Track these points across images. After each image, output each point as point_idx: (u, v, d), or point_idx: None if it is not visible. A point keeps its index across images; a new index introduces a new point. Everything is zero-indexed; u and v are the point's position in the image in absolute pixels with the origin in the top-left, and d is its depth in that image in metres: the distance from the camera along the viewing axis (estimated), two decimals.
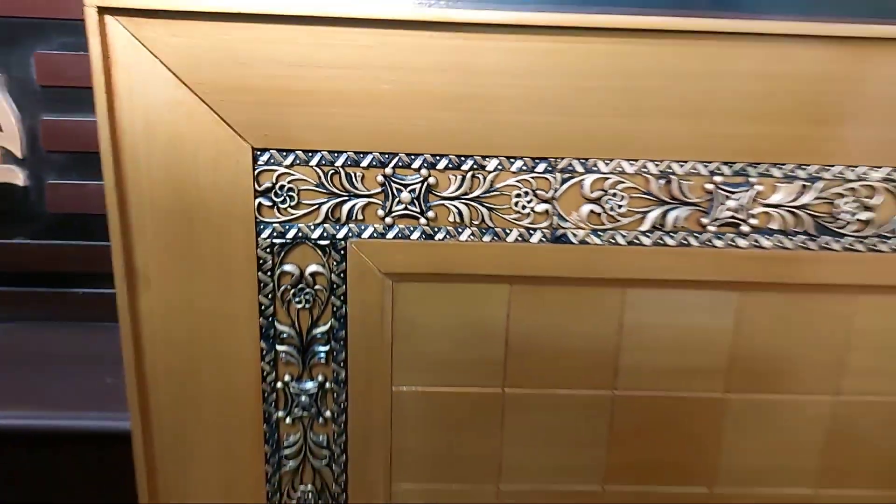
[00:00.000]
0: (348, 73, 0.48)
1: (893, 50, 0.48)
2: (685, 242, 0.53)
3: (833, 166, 0.52)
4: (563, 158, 0.51)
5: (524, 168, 0.51)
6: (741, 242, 0.53)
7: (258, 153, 0.50)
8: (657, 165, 0.51)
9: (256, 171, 0.50)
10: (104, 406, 0.66)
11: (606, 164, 0.51)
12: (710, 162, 0.51)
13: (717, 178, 0.51)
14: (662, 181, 0.51)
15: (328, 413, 0.56)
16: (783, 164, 0.52)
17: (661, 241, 0.53)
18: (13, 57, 0.72)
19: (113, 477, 0.66)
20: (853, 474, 0.60)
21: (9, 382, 0.71)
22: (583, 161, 0.51)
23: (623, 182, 0.51)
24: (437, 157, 0.50)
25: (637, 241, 0.53)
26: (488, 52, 0.47)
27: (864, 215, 0.52)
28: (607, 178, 0.51)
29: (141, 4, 0.46)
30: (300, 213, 0.51)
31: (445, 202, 0.52)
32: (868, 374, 0.57)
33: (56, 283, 0.78)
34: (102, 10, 0.46)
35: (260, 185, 0.51)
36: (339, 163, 0.50)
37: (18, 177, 0.74)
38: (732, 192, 0.52)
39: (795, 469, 0.59)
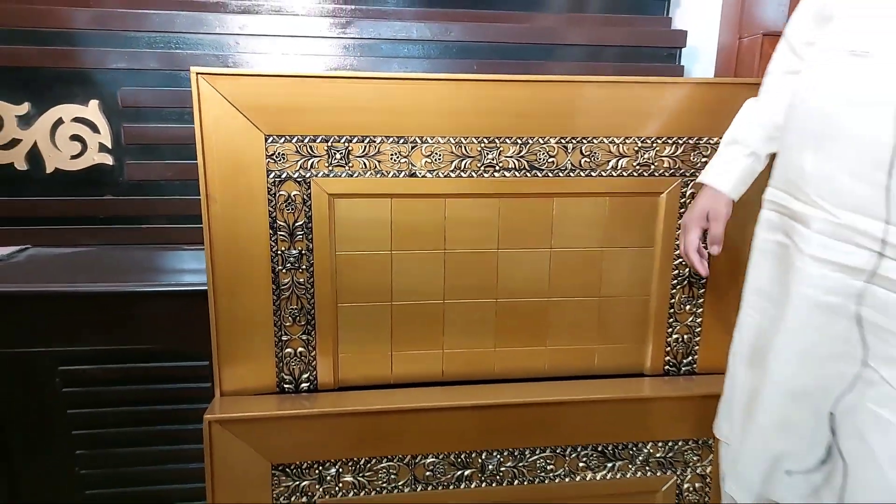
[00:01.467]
0: (343, 101, 1.05)
1: (558, 87, 1.11)
2: (472, 176, 1.13)
3: (532, 138, 1.14)
4: (411, 136, 1.10)
5: (394, 141, 1.10)
6: (496, 175, 1.14)
7: (268, 137, 1.07)
8: (460, 139, 1.11)
9: (266, 146, 1.07)
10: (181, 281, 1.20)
11: (439, 139, 1.11)
12: (486, 137, 1.12)
13: (483, 144, 1.12)
14: (461, 146, 1.12)
15: (303, 266, 1.13)
16: (513, 138, 1.13)
17: (461, 176, 1.13)
18: (106, 90, 1.25)
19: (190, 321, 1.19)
20: (565, 286, 1.22)
21: (111, 272, 1.23)
22: (422, 137, 1.11)
23: (444, 148, 1.11)
24: (364, 137, 1.09)
25: (450, 176, 1.13)
26: (412, 91, 1.06)
27: (552, 161, 1.15)
28: (436, 146, 1.11)
29: (216, 71, 1.02)
30: (287, 164, 1.08)
31: (357, 159, 1.10)
32: (562, 237, 1.19)
33: (131, 223, 1.31)
34: (198, 74, 1.01)
35: (268, 153, 1.07)
36: (308, 140, 1.08)
37: (109, 159, 1.27)
38: (490, 151, 1.13)
39: (538, 285, 1.21)
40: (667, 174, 1.18)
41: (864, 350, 0.81)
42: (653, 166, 1.18)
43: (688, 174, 1.18)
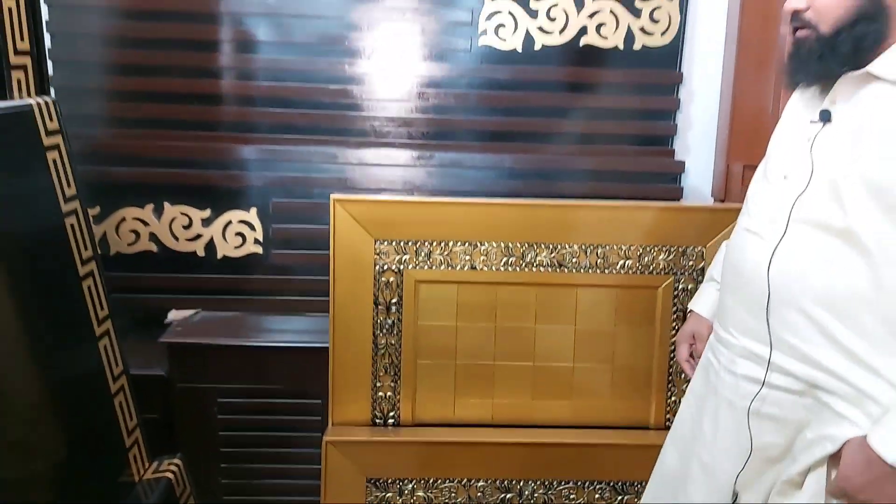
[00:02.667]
0: (427, 217, 1.54)
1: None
2: (516, 270, 1.58)
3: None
4: (473, 241, 1.56)
5: (461, 244, 1.56)
6: (534, 270, 1.58)
7: (376, 240, 1.55)
8: (507, 243, 1.57)
9: (375, 246, 1.55)
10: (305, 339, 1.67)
11: (493, 243, 1.57)
12: (527, 242, 1.57)
13: (524, 247, 1.57)
14: (508, 249, 1.57)
15: (395, 332, 1.58)
16: (546, 243, 1.57)
17: (508, 269, 1.58)
18: (262, 201, 1.78)
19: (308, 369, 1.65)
20: (586, 354, 1.62)
21: (258, 331, 1.72)
22: (481, 242, 1.57)
23: (496, 250, 1.57)
24: (441, 241, 1.56)
25: (500, 269, 1.58)
26: (474, 211, 1.54)
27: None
28: (490, 248, 1.57)
29: (345, 198, 1.52)
30: (388, 259, 1.56)
31: (436, 256, 1.56)
32: (583, 317, 1.60)
33: (273, 295, 1.81)
34: (335, 200, 1.52)
35: (376, 251, 1.55)
36: (402, 243, 1.56)
37: (260, 250, 1.80)
38: (529, 253, 1.57)
39: (565, 353, 1.61)
40: (662, 273, 1.59)
41: (751, 440, 1.04)
42: (651, 266, 1.59)
43: (679, 273, 1.59)
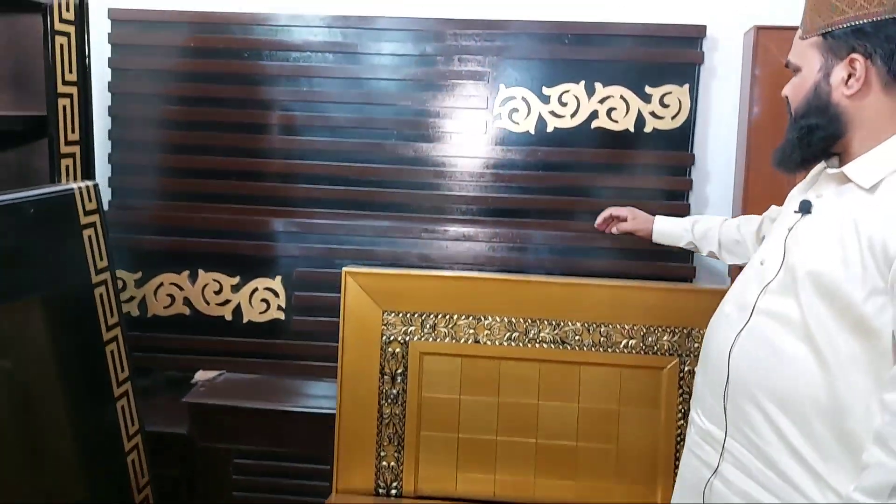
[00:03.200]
0: (433, 290, 1.61)
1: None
2: (519, 345, 1.61)
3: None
4: (477, 315, 1.61)
5: (466, 317, 1.61)
6: (537, 346, 1.60)
7: (384, 311, 1.63)
8: (511, 318, 1.61)
9: (382, 317, 1.62)
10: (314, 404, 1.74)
11: (497, 317, 1.61)
12: (530, 318, 1.60)
13: (528, 323, 1.60)
14: (511, 324, 1.61)
15: (400, 402, 1.63)
16: (549, 319, 1.60)
17: (511, 344, 1.61)
18: (286, 270, 1.90)
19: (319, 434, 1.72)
20: (590, 434, 1.61)
21: (276, 392, 1.81)
22: (485, 315, 1.61)
23: (500, 324, 1.61)
24: (446, 314, 1.62)
25: (503, 344, 1.61)
26: (479, 285, 1.60)
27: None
28: (494, 322, 1.61)
29: (355, 270, 1.61)
30: (394, 330, 1.62)
31: (440, 328, 1.62)
32: (587, 396, 1.60)
33: (293, 359, 1.90)
34: (346, 272, 1.61)
35: (383, 322, 1.62)
36: (409, 314, 1.62)
37: (282, 315, 1.90)
38: (532, 328, 1.60)
39: (569, 432, 1.61)
40: (667, 354, 1.58)
41: None
42: (656, 347, 1.58)
43: (684, 355, 1.57)
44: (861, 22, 0.93)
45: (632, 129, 1.84)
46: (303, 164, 1.91)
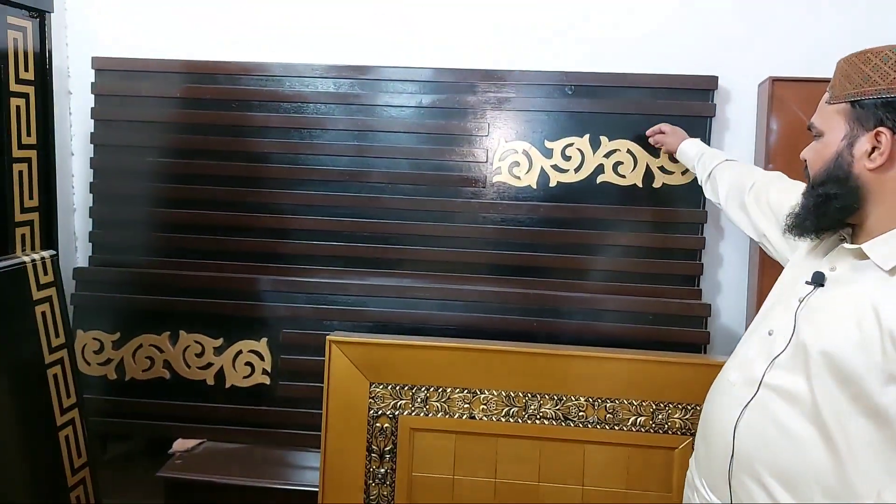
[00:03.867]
0: (425, 361, 1.49)
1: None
2: (518, 422, 1.48)
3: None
4: (472, 388, 1.49)
5: (460, 391, 1.49)
6: (538, 422, 1.47)
7: (371, 383, 1.51)
8: (510, 392, 1.48)
9: (370, 389, 1.50)
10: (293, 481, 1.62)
11: (494, 391, 1.49)
12: (530, 392, 1.48)
13: (527, 398, 1.48)
14: (510, 398, 1.48)
15: (388, 482, 1.50)
16: (550, 394, 1.47)
17: (510, 421, 1.48)
18: (273, 331, 1.79)
19: None
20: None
21: (259, 464, 1.68)
22: (481, 389, 1.49)
23: (497, 399, 1.48)
24: (438, 387, 1.50)
25: (501, 420, 1.48)
26: (474, 357, 1.48)
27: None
28: (491, 396, 1.49)
29: (340, 339, 1.50)
30: (383, 404, 1.50)
31: (433, 403, 1.49)
32: (592, 478, 1.47)
33: (278, 427, 1.78)
34: (331, 341, 1.50)
35: (370, 395, 1.51)
36: (398, 387, 1.50)
37: (268, 380, 1.79)
38: (532, 403, 1.48)
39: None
40: (679, 433, 1.45)
41: None
42: (667, 425, 1.45)
43: None
44: (892, 95, 0.88)
45: (640, 185, 1.73)
46: (293, 218, 1.82)
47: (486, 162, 1.77)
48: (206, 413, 1.79)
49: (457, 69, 1.76)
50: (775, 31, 1.72)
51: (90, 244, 1.87)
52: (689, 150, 1.58)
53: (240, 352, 1.80)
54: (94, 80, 1.84)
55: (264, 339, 1.80)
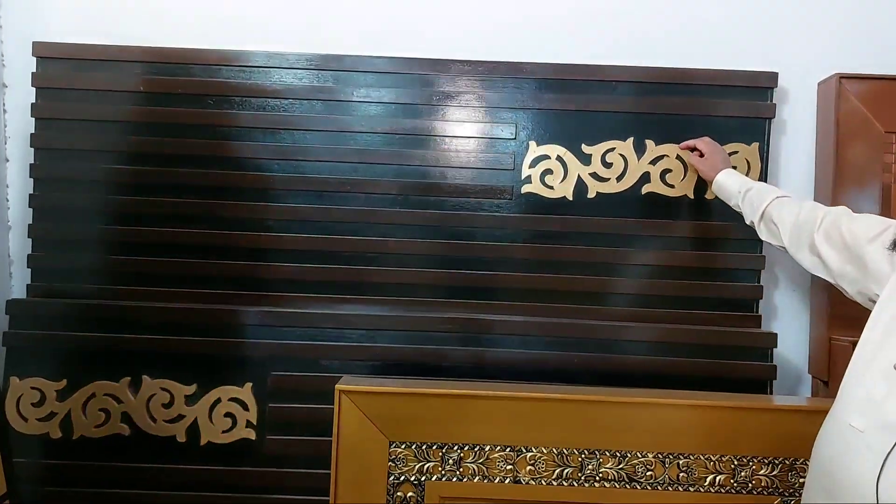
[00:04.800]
0: (458, 414, 1.21)
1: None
2: (573, 485, 1.21)
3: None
4: (517, 446, 1.22)
5: (501, 449, 1.22)
6: (596, 485, 1.21)
7: (391, 443, 1.22)
8: (562, 450, 1.22)
9: (390, 450, 1.22)
10: None
11: (543, 449, 1.22)
12: (586, 449, 1.22)
13: (584, 455, 1.22)
14: (562, 456, 1.22)
15: None
16: (612, 451, 1.22)
17: (562, 484, 1.21)
18: (259, 374, 1.48)
19: None
20: None
21: None
22: (527, 447, 1.22)
23: (547, 457, 1.22)
24: (474, 445, 1.22)
25: (552, 484, 1.21)
26: (519, 406, 1.21)
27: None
28: (539, 455, 1.22)
29: (355, 389, 1.21)
30: (406, 468, 1.22)
31: (468, 464, 1.22)
32: None
33: (265, 493, 1.46)
34: (341, 392, 1.21)
35: (391, 457, 1.22)
36: (425, 447, 1.22)
37: (253, 434, 1.47)
38: (590, 462, 1.22)
39: None
40: (765, 493, 1.21)
41: None
42: (750, 484, 1.21)
43: (787, 495, 1.21)
44: None
45: (691, 196, 1.50)
46: (281, 236, 1.52)
47: (514, 169, 1.51)
48: (178, 477, 1.46)
49: (478, 61, 1.50)
50: (839, 21, 1.53)
51: (28, 270, 1.53)
52: (729, 184, 1.36)
53: (218, 400, 1.48)
54: (34, 70, 1.50)
55: (248, 385, 1.48)
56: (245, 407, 1.48)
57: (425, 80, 1.50)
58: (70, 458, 1.46)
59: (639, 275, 1.51)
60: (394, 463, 1.22)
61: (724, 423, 1.22)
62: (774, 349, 1.47)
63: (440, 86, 1.50)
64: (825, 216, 1.14)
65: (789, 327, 1.57)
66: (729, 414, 1.22)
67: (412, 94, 1.50)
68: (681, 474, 1.22)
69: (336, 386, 1.23)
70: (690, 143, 1.45)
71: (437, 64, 1.50)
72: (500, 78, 1.50)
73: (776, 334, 1.47)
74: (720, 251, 1.51)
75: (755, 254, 1.51)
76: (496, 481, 1.22)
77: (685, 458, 1.22)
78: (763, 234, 1.28)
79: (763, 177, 1.49)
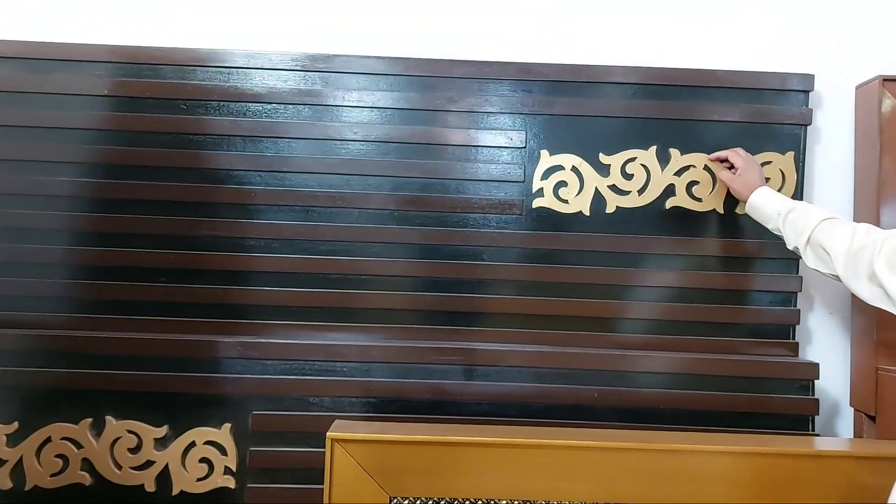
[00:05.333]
0: (466, 464, 1.05)
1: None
2: None
3: None
4: (537, 500, 1.06)
5: None
6: None
7: (392, 499, 1.05)
8: None
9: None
10: None
11: None
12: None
13: None
14: None
15: None
16: None
17: None
18: (239, 415, 1.31)
19: None
20: None
21: None
22: (549, 502, 1.06)
23: None
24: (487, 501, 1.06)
25: None
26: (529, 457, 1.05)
27: None
28: None
29: (350, 437, 1.04)
30: None
31: None
32: None
33: None
34: (333, 440, 1.04)
35: None
36: (431, 502, 1.06)
37: (232, 482, 1.30)
38: None
39: None
40: None
41: None
42: None
43: None
44: None
45: (720, 210, 1.36)
46: (263, 257, 1.35)
47: (524, 182, 1.36)
48: None
49: (483, 61, 1.35)
50: (878, 20, 1.40)
51: None
52: (767, 206, 1.22)
53: (192, 444, 1.30)
54: None
55: (226, 426, 1.31)
56: (223, 451, 1.30)
57: (425, 83, 1.35)
58: None
59: (662, 298, 1.36)
60: None
61: (783, 470, 1.07)
62: (816, 381, 1.33)
63: (441, 89, 1.35)
64: (886, 240, 1.00)
65: (824, 354, 1.42)
66: (789, 461, 1.07)
67: (410, 99, 1.35)
68: None
69: (328, 434, 1.06)
70: (722, 154, 1.30)
71: (438, 65, 1.35)
72: (508, 80, 1.35)
73: (818, 364, 1.32)
74: (753, 272, 1.36)
75: (792, 274, 1.37)
76: None
77: None
78: (810, 262, 1.14)
79: (799, 189, 1.35)
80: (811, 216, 1.14)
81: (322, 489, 1.15)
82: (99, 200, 1.35)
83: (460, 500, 1.06)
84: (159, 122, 1.35)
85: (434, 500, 1.06)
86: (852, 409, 1.39)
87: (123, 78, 1.35)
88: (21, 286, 1.34)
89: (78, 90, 1.34)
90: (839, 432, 1.42)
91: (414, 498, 1.06)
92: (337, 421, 1.13)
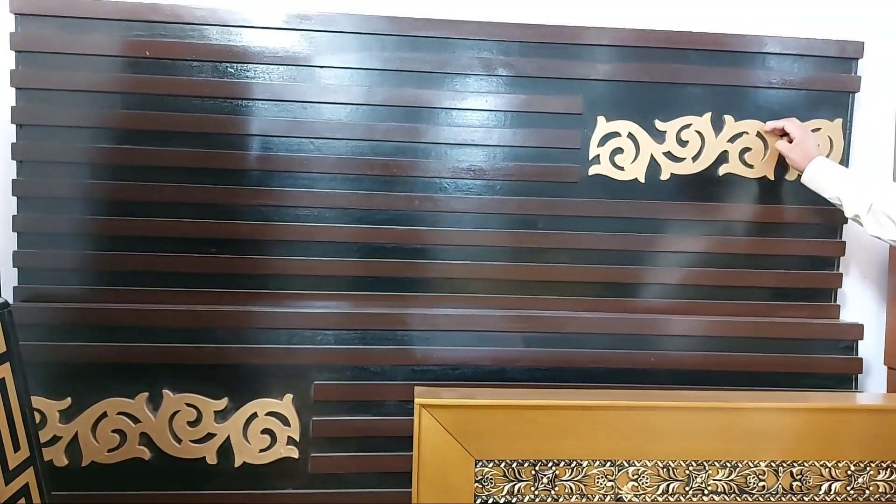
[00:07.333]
0: (551, 427, 1.06)
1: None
2: (680, 500, 1.09)
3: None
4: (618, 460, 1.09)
5: (601, 464, 1.08)
6: (705, 499, 1.09)
7: (478, 462, 1.07)
8: (667, 462, 1.09)
9: (476, 470, 1.06)
10: None
11: (646, 462, 1.09)
12: (693, 461, 1.09)
13: (691, 468, 1.09)
14: (668, 469, 1.09)
15: None
16: (721, 461, 1.10)
17: (668, 500, 1.09)
18: (300, 386, 1.29)
19: None
20: None
21: None
22: (629, 461, 1.09)
23: (651, 471, 1.09)
24: (570, 461, 1.08)
25: (657, 500, 1.09)
26: (618, 417, 1.07)
27: None
28: (643, 469, 1.09)
29: (437, 403, 1.05)
30: (494, 489, 1.07)
31: (563, 482, 1.08)
32: None
33: None
34: (421, 406, 1.04)
35: (477, 478, 1.07)
36: (515, 465, 1.07)
37: (295, 452, 1.29)
38: (698, 475, 1.09)
39: None
40: (883, 499, 1.12)
41: None
42: (867, 490, 1.12)
43: None
44: None
45: (771, 177, 1.39)
46: (315, 227, 1.32)
47: (581, 149, 1.36)
48: None
49: (539, 24, 1.33)
50: None
51: (15, 270, 1.29)
52: (825, 175, 1.25)
53: (254, 415, 1.29)
54: (13, 30, 1.25)
55: (288, 396, 1.30)
56: (285, 422, 1.29)
57: (481, 48, 1.33)
58: (79, 488, 1.25)
59: (712, 264, 1.39)
60: (480, 484, 1.07)
61: (837, 425, 1.12)
62: (860, 341, 1.38)
63: (497, 52, 1.33)
64: None
65: (857, 316, 1.48)
66: (842, 416, 1.12)
67: (463, 61, 1.32)
68: (794, 483, 1.11)
69: (416, 400, 1.06)
70: (778, 123, 1.32)
71: (493, 27, 1.32)
72: (562, 45, 1.34)
73: (862, 325, 1.38)
74: (798, 237, 1.40)
75: (835, 240, 1.41)
76: (595, 500, 1.09)
77: (798, 465, 1.11)
78: (871, 229, 1.18)
79: (846, 155, 1.39)
80: (872, 184, 1.18)
81: (385, 456, 1.17)
82: (145, 168, 1.29)
83: (543, 461, 1.08)
84: (198, 86, 1.29)
85: (517, 462, 1.08)
86: (886, 367, 1.45)
87: (163, 38, 1.28)
88: (65, 258, 1.29)
89: (110, 49, 1.27)
90: (873, 390, 1.49)
91: (498, 460, 1.07)
92: (420, 387, 1.13)
